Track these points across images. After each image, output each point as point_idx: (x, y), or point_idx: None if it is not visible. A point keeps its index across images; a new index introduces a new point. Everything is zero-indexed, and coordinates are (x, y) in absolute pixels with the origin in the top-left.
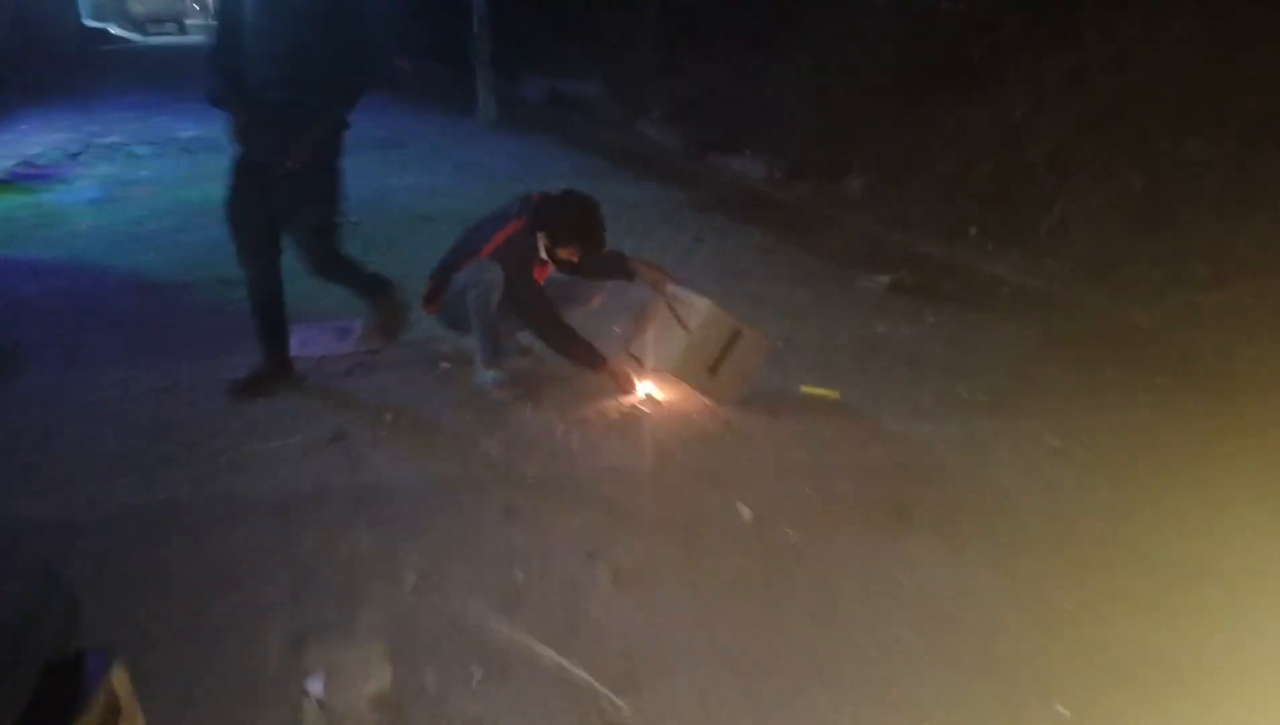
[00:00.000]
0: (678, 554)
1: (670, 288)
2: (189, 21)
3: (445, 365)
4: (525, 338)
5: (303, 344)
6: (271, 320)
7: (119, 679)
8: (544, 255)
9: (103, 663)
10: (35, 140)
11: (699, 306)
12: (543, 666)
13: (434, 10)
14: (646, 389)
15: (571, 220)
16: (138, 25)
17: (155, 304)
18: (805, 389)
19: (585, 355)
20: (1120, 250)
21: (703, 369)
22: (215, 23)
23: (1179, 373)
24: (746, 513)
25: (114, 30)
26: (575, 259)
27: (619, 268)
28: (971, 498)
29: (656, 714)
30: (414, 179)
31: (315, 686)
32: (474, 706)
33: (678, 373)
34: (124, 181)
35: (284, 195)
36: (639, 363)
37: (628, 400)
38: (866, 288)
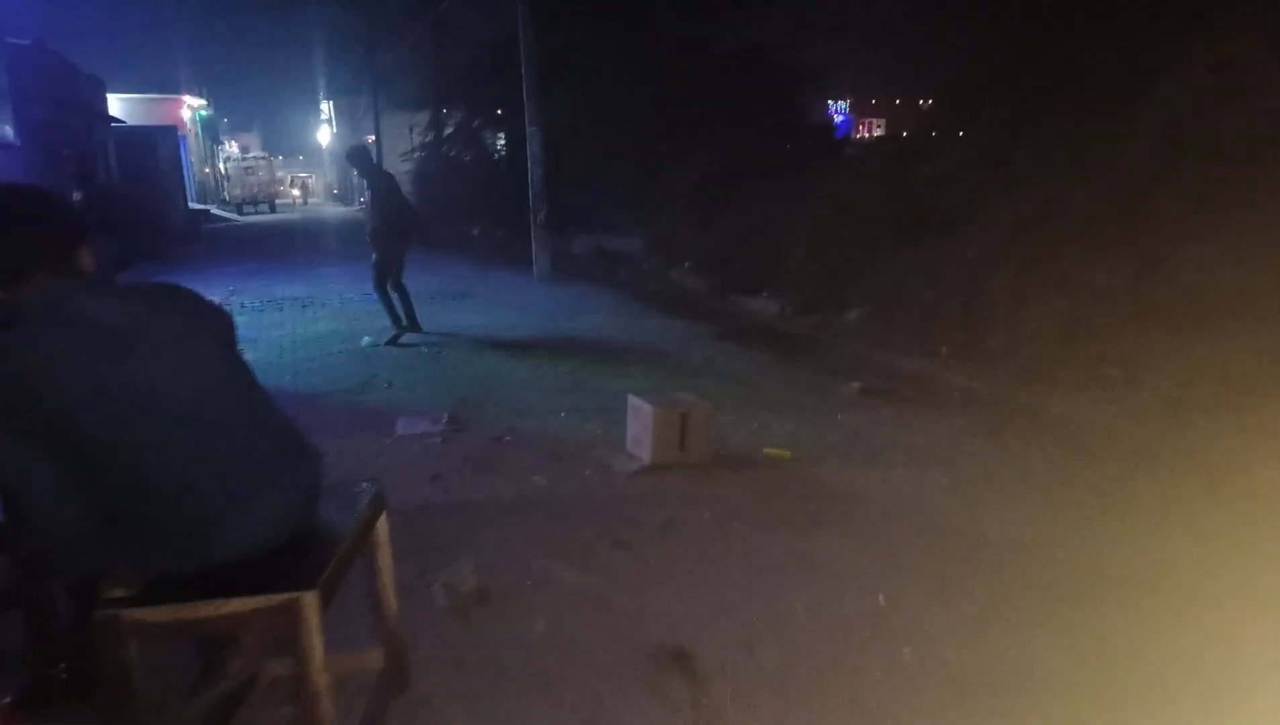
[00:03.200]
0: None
1: (633, 402)
2: (279, 202)
3: (507, 438)
4: None
5: (406, 426)
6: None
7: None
8: None
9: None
10: None
11: (645, 411)
12: None
13: (498, 184)
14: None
15: None
16: (235, 206)
17: (304, 408)
18: (766, 451)
19: None
20: (1051, 359)
21: (674, 448)
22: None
23: (1071, 445)
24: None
25: (214, 211)
26: None
27: None
28: (861, 506)
29: None
30: (481, 318)
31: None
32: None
33: (658, 459)
34: (254, 327)
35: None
36: (639, 459)
37: None
38: (841, 392)
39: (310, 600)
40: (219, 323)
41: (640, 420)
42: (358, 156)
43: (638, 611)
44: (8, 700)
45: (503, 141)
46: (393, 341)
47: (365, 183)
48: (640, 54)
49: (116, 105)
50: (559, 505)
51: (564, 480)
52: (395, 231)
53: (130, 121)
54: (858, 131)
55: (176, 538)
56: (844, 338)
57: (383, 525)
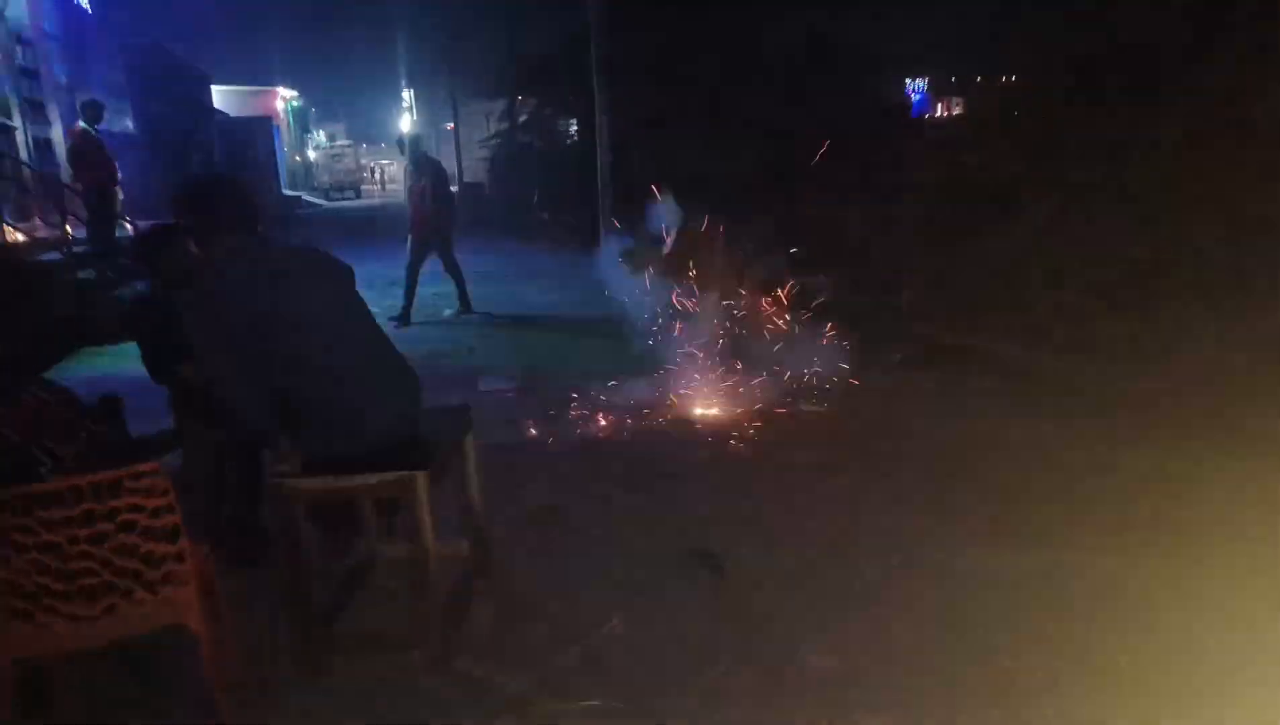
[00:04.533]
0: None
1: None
2: (364, 188)
3: (573, 394)
4: None
5: (487, 383)
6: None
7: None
8: None
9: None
10: None
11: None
12: None
13: (569, 169)
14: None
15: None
16: (324, 192)
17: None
18: (804, 405)
19: None
20: (1090, 331)
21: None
22: None
23: (1099, 409)
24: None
25: (305, 197)
26: None
27: None
28: (882, 451)
29: None
30: (552, 297)
31: None
32: None
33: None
34: None
35: None
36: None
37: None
38: (882, 361)
39: (422, 478)
40: (344, 272)
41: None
42: (414, 146)
43: (678, 524)
44: (208, 549)
45: (574, 128)
46: (465, 310)
47: (414, 170)
48: (710, 42)
49: (219, 97)
50: (617, 445)
51: (623, 426)
52: (438, 220)
53: (231, 112)
54: (936, 110)
55: (325, 426)
56: (892, 314)
57: (470, 438)
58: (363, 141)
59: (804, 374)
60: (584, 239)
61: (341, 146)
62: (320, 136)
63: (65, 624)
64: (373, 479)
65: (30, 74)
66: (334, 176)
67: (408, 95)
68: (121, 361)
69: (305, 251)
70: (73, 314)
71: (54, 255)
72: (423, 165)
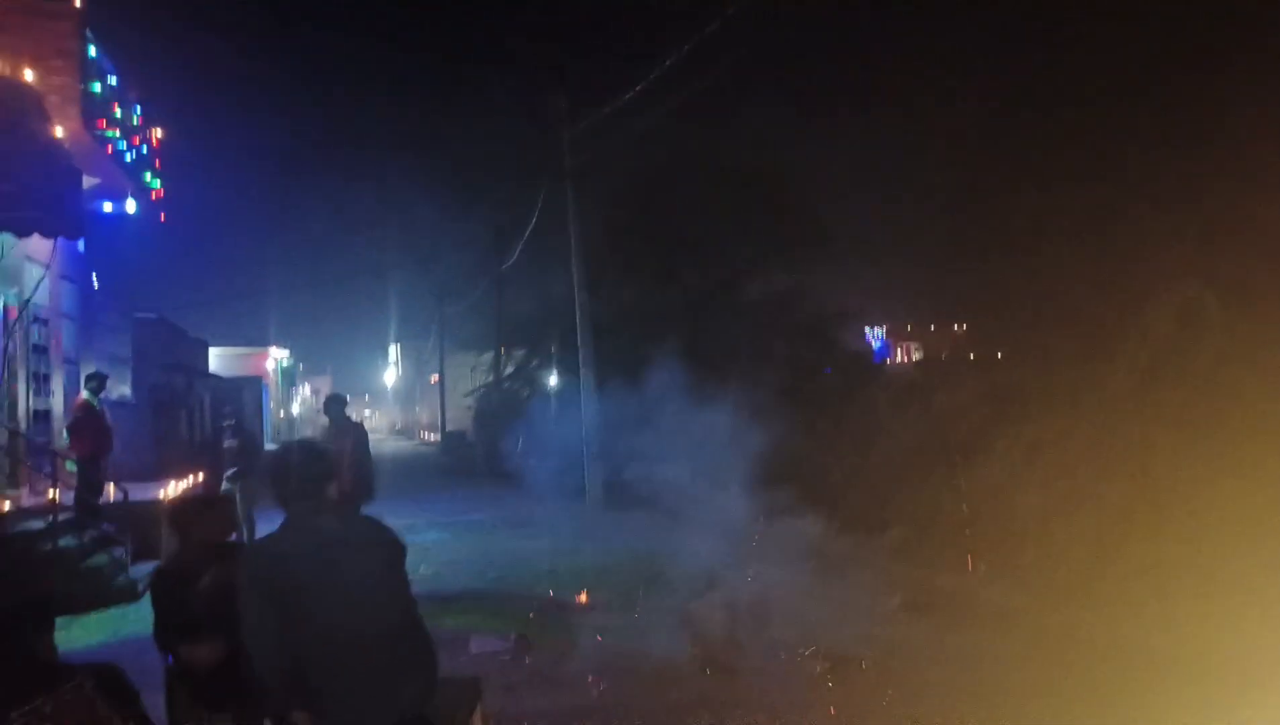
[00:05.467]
0: None
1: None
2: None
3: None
4: None
5: (479, 645)
6: None
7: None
8: None
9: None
10: None
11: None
12: None
13: (553, 418)
14: None
15: None
16: None
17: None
18: (806, 653)
19: None
20: (1081, 575)
21: (723, 653)
22: None
23: (1099, 658)
24: None
25: None
26: None
27: None
28: (892, 710)
29: None
30: (542, 544)
31: None
32: None
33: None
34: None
35: None
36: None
37: None
38: (881, 607)
39: None
40: (395, 549)
41: (690, 629)
42: (333, 406)
43: None
44: None
45: (556, 379)
46: None
47: (335, 431)
48: (680, 300)
49: (214, 359)
50: (618, 712)
51: (622, 689)
52: (355, 486)
53: (225, 373)
54: (895, 356)
55: (341, 701)
56: (883, 556)
57: (479, 713)
58: (349, 393)
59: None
60: (569, 487)
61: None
62: (305, 391)
63: None
64: None
65: (41, 350)
66: (316, 430)
67: (394, 350)
68: (90, 633)
69: (365, 522)
70: (49, 585)
71: (38, 523)
72: (344, 427)
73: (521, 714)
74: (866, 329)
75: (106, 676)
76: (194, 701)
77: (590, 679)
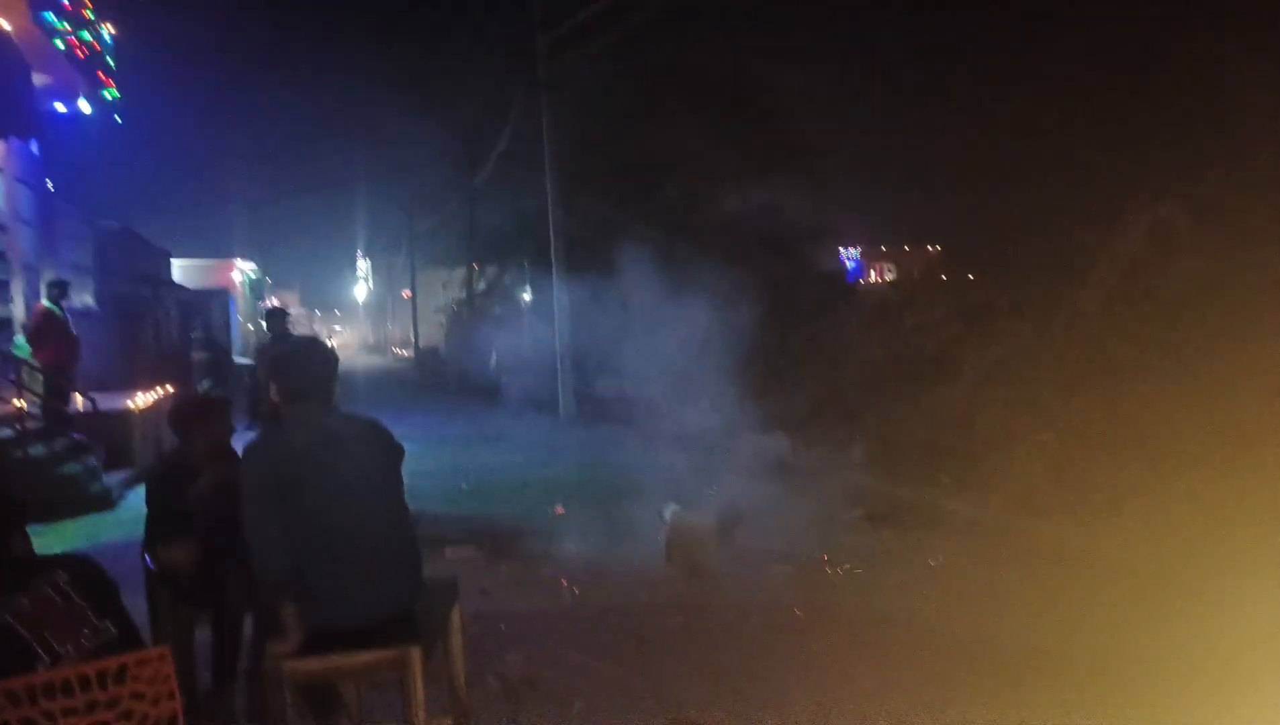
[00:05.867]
0: None
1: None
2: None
3: (543, 559)
4: None
5: (454, 552)
6: None
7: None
8: None
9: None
10: None
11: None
12: None
13: (526, 333)
14: None
15: None
16: None
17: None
18: (773, 566)
19: None
20: (1040, 488)
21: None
22: None
23: (1057, 562)
24: None
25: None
26: None
27: None
28: (855, 614)
29: None
30: (516, 457)
31: None
32: None
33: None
34: None
35: None
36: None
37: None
38: (845, 518)
39: (416, 653)
40: (394, 451)
41: (667, 533)
42: (275, 320)
43: (655, 692)
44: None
45: (529, 295)
46: None
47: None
48: (657, 213)
49: (178, 271)
50: (591, 611)
51: (595, 592)
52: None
53: (190, 285)
54: (869, 276)
55: (329, 591)
56: (849, 471)
57: (456, 611)
58: (317, 308)
59: (771, 535)
60: (543, 401)
61: (295, 313)
62: (273, 304)
63: None
64: (369, 657)
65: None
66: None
67: (364, 265)
68: (65, 540)
69: (365, 423)
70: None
71: (5, 431)
72: (286, 341)
73: (497, 615)
74: (841, 250)
75: (82, 569)
76: (176, 602)
77: (564, 583)
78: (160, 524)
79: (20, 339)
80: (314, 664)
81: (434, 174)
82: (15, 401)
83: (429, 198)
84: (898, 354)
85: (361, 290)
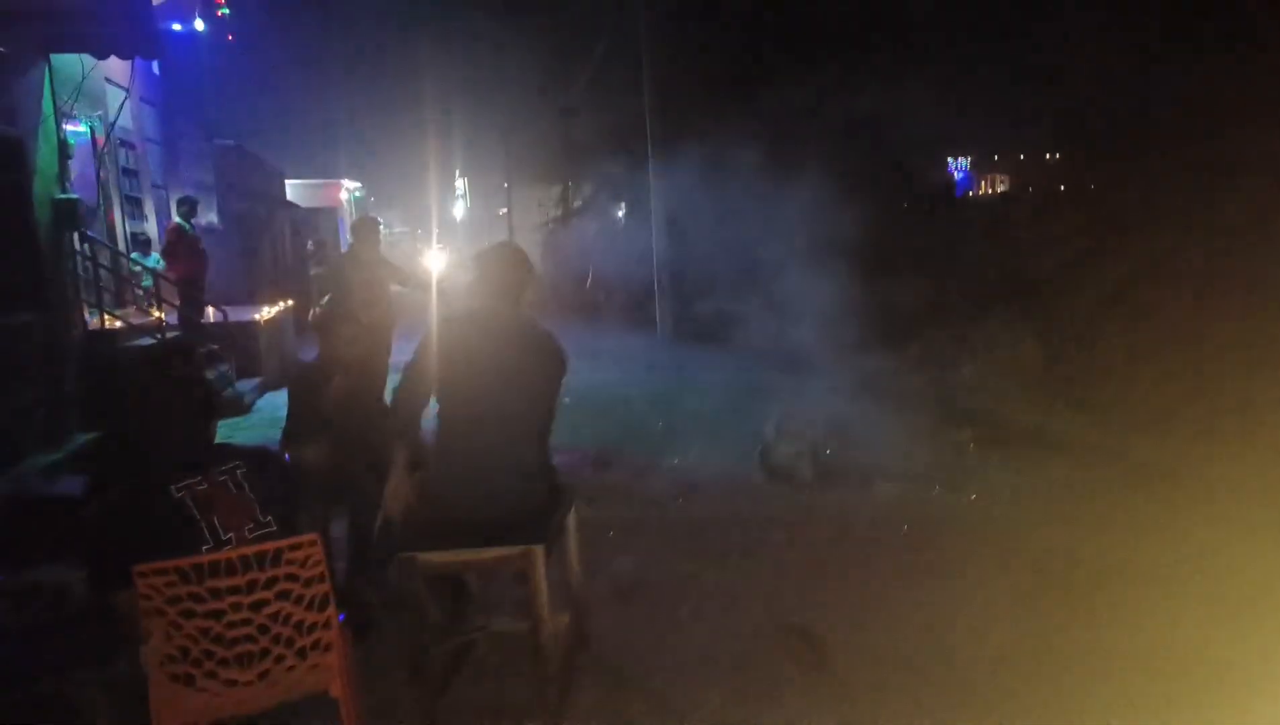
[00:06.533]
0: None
1: (766, 432)
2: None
3: (647, 471)
4: None
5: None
6: None
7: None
8: None
9: None
10: None
11: (773, 438)
12: None
13: (623, 250)
14: None
15: None
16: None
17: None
18: (880, 484)
19: None
20: (1166, 412)
21: (793, 471)
22: None
23: (1179, 491)
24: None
25: None
26: None
27: None
28: (960, 533)
29: None
30: (614, 374)
31: None
32: None
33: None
34: None
35: None
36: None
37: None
38: (953, 440)
39: (539, 552)
40: (557, 365)
41: (767, 449)
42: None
43: (762, 600)
44: (340, 618)
45: (625, 211)
46: None
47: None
48: (757, 127)
49: (290, 190)
50: (695, 523)
51: (697, 504)
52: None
53: (301, 204)
54: (980, 188)
55: (460, 488)
56: (958, 391)
57: (572, 517)
58: (419, 227)
59: (874, 454)
60: (642, 318)
61: (399, 233)
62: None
63: (224, 690)
64: (495, 553)
65: (131, 174)
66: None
67: (461, 183)
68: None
69: (540, 333)
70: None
71: (147, 339)
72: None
73: (605, 522)
74: (950, 160)
75: (261, 463)
76: (311, 498)
77: (667, 493)
78: (298, 424)
79: (155, 256)
80: (442, 557)
81: (530, 90)
82: (154, 312)
83: (525, 115)
84: (1010, 273)
85: (460, 209)
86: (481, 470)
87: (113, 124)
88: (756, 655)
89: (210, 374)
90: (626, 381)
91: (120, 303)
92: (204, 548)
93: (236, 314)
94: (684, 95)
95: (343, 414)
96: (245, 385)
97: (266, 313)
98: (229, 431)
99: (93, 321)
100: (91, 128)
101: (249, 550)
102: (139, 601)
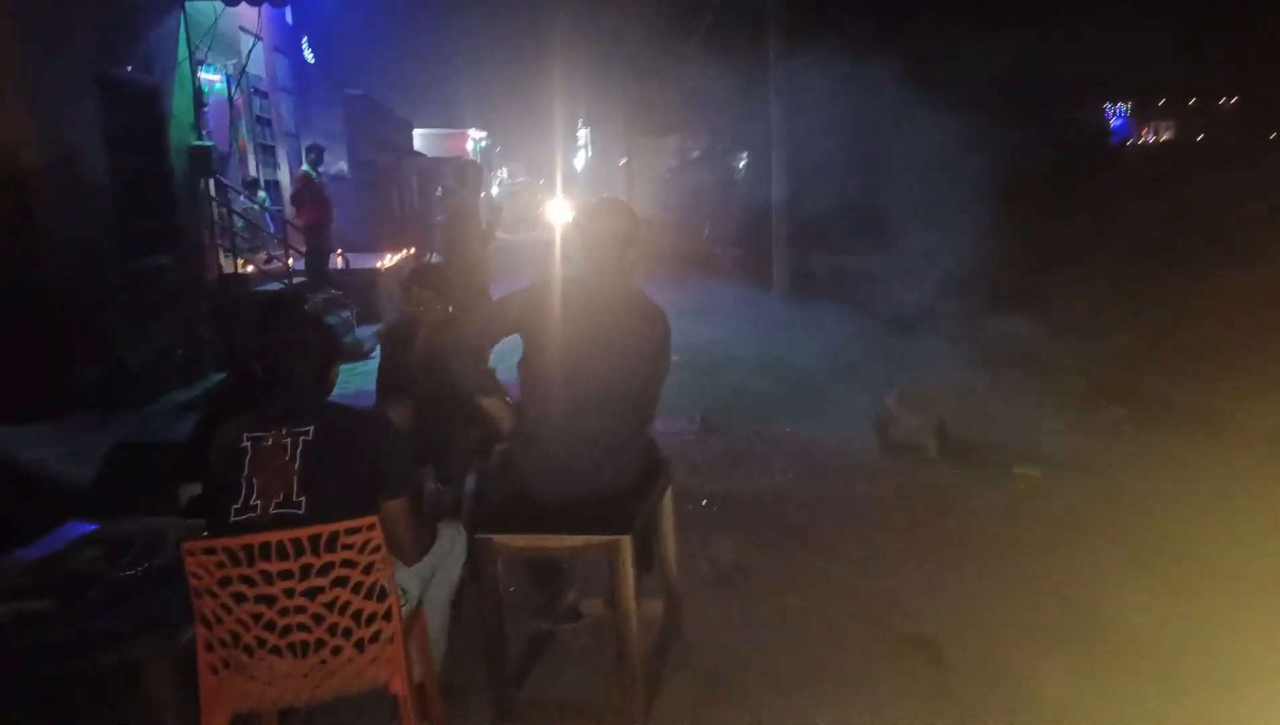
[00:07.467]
0: None
1: (889, 402)
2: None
3: (755, 439)
4: None
5: (664, 425)
6: None
7: None
8: None
9: None
10: None
11: (894, 409)
12: None
13: (740, 203)
14: None
15: None
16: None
17: None
18: (1016, 469)
19: None
20: None
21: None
22: None
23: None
24: None
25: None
26: None
27: None
28: (1108, 532)
29: None
30: (726, 332)
31: None
32: None
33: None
34: None
35: None
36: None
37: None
38: (1102, 418)
39: (627, 542)
40: (657, 331)
41: (889, 421)
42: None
43: (883, 599)
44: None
45: (744, 162)
46: None
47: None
48: (888, 68)
49: (417, 139)
50: (806, 499)
51: (809, 478)
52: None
53: (428, 153)
54: (1141, 136)
55: (547, 466)
56: (1107, 364)
57: (669, 496)
58: (541, 178)
59: (1010, 432)
60: (757, 273)
61: (520, 183)
62: (503, 173)
63: (278, 679)
64: (579, 541)
65: (264, 122)
66: (512, 210)
67: (583, 133)
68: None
69: (637, 299)
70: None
71: (276, 285)
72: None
73: (708, 494)
74: (1107, 105)
75: (337, 432)
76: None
77: (776, 465)
78: (385, 381)
79: (263, 194)
80: (521, 541)
81: (651, 36)
82: (287, 260)
83: (646, 62)
84: (1174, 233)
85: (581, 159)
86: (569, 447)
87: (243, 69)
88: (870, 669)
89: (334, 319)
90: (737, 340)
91: (254, 247)
92: (233, 508)
93: (360, 261)
94: (809, 41)
95: (430, 372)
96: (364, 332)
97: (388, 261)
98: (348, 376)
99: (226, 266)
100: (226, 76)
101: (303, 533)
102: (189, 580)
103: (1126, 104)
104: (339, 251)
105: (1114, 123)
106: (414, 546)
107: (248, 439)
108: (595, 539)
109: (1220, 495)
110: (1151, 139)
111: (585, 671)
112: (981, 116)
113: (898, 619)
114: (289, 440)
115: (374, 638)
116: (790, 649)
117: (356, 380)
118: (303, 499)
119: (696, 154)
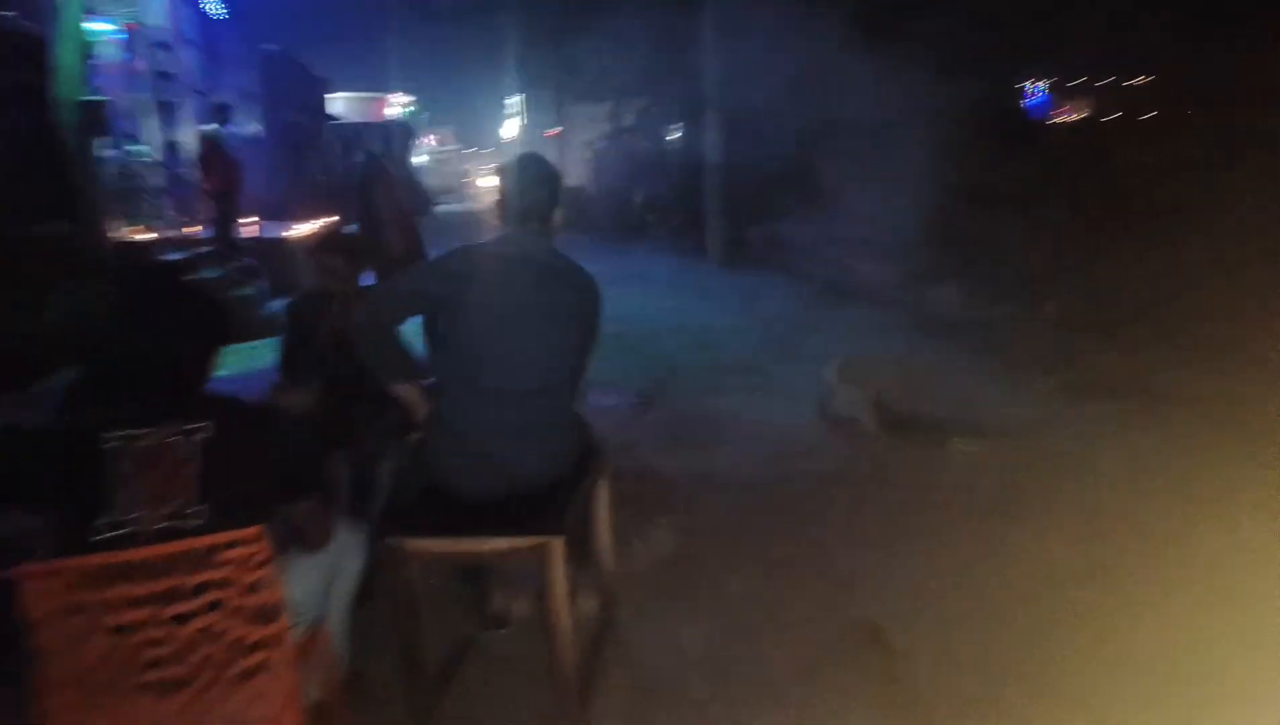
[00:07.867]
0: None
1: (826, 378)
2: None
3: (693, 415)
4: None
5: (597, 399)
6: None
7: None
8: None
9: None
10: None
11: (833, 385)
12: None
13: (674, 171)
14: None
15: None
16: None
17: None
18: (954, 441)
19: None
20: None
21: (856, 420)
22: None
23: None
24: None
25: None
26: None
27: None
28: (1049, 503)
29: None
30: (662, 303)
31: None
32: None
33: (841, 420)
34: None
35: None
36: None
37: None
38: (1036, 387)
39: (558, 545)
40: (588, 299)
41: (827, 396)
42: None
43: (829, 585)
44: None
45: (678, 130)
46: None
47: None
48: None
49: (336, 103)
50: (746, 477)
51: (749, 455)
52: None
53: (347, 117)
54: (1057, 114)
55: (465, 457)
56: (1040, 331)
57: (604, 487)
58: (473, 146)
59: (948, 404)
60: (692, 242)
61: (449, 150)
62: (431, 141)
63: (140, 721)
64: (503, 543)
65: (167, 76)
66: (441, 180)
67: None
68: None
69: (562, 264)
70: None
71: (178, 254)
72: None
73: (644, 473)
74: (1027, 85)
75: (241, 432)
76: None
77: (713, 442)
78: (291, 360)
79: (143, 146)
80: (436, 545)
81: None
82: (192, 226)
83: (577, 26)
84: (1106, 203)
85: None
86: (490, 434)
87: (138, 20)
88: (818, 658)
89: (246, 291)
90: (672, 311)
91: (154, 212)
92: (102, 523)
93: (274, 230)
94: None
95: (341, 349)
96: (279, 304)
97: (306, 229)
98: (260, 352)
99: (121, 234)
100: (121, 25)
101: (171, 549)
102: (25, 609)
103: (1045, 82)
104: (256, 219)
105: (1034, 99)
106: (327, 543)
107: (115, 439)
108: (522, 541)
109: (1156, 458)
110: (1069, 117)
111: (516, 679)
112: (919, 81)
113: (844, 603)
114: (177, 438)
115: (260, 668)
116: (733, 640)
117: (267, 359)
118: (204, 507)
119: (630, 120)
